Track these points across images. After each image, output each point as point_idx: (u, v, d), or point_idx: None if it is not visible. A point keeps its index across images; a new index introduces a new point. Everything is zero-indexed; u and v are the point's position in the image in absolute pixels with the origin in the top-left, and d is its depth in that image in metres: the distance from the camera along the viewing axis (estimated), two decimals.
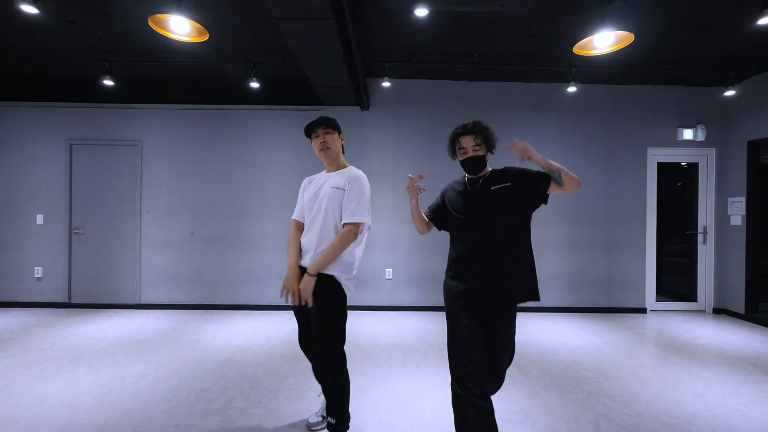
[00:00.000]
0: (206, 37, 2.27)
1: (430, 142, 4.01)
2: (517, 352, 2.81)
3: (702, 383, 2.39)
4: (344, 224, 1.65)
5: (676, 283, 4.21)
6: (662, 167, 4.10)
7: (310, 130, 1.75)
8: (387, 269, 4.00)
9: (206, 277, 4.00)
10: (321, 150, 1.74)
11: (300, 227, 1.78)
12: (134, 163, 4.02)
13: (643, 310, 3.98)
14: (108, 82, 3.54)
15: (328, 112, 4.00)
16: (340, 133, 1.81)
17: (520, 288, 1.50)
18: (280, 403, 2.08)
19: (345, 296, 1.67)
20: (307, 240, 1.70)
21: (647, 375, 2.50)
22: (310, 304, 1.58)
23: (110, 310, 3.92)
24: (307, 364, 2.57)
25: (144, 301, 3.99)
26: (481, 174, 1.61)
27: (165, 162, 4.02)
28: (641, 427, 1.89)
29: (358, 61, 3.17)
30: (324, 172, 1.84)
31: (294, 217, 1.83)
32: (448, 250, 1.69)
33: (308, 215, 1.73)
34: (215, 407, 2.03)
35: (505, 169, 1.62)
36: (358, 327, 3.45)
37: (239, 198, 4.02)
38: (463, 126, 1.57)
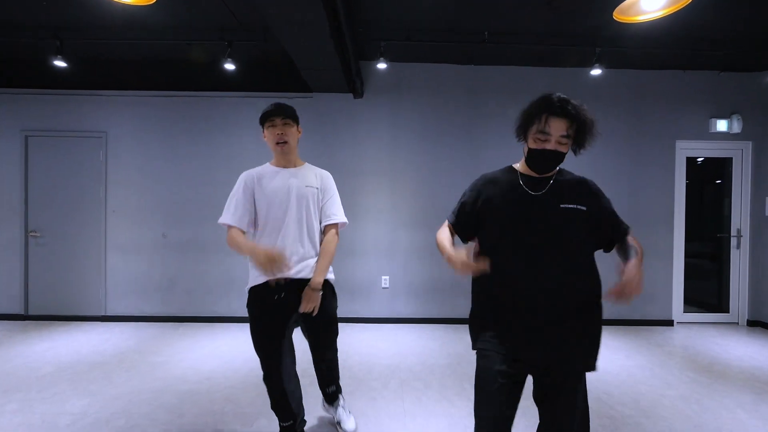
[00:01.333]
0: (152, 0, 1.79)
1: (432, 135, 3.56)
2: None
3: (762, 422, 1.97)
4: (330, 225, 1.66)
5: (704, 290, 3.79)
6: (692, 162, 3.66)
7: (265, 119, 1.57)
8: (383, 277, 3.56)
9: (180, 286, 3.55)
10: (277, 143, 1.57)
11: (241, 235, 1.58)
12: (98, 158, 3.56)
13: (669, 323, 3.56)
14: (59, 63, 3.07)
15: (317, 99, 3.55)
16: (298, 124, 1.64)
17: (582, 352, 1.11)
18: None
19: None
20: (285, 245, 1.54)
21: (695, 413, 2.08)
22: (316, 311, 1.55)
23: (72, 323, 3.47)
24: None
25: (110, 312, 3.55)
26: (549, 174, 1.18)
27: (133, 156, 3.56)
28: None
29: (349, 37, 2.72)
30: (273, 166, 1.66)
31: (231, 222, 1.58)
32: (454, 264, 1.17)
33: (270, 218, 1.57)
34: None
35: (583, 180, 1.22)
36: (351, 345, 3.02)
37: (217, 197, 3.56)
38: (561, 101, 1.11)
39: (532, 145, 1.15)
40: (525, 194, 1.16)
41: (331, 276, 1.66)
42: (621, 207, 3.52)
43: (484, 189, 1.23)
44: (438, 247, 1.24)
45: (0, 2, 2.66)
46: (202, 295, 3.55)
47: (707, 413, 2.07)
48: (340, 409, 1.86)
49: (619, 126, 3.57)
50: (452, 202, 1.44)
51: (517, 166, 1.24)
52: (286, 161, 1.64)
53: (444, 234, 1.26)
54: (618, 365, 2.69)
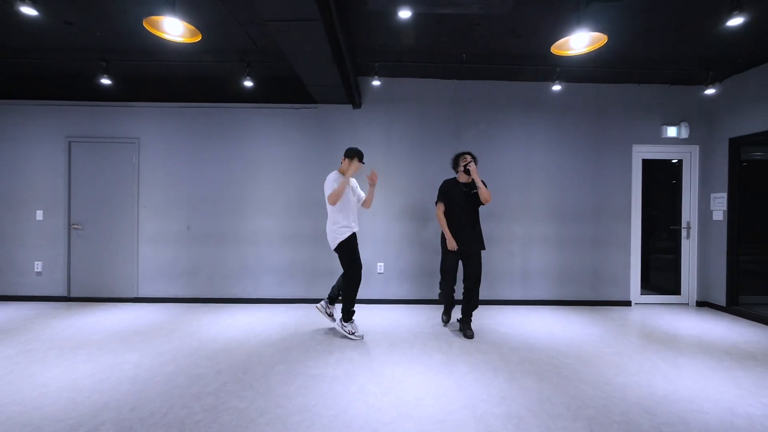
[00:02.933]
0: (199, 38, 2.36)
1: (420, 140, 4.11)
2: (502, 341, 2.95)
3: (674, 369, 2.50)
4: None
5: (662, 278, 4.32)
6: (647, 164, 4.21)
7: (360, 158, 3.09)
8: (379, 263, 4.10)
9: (202, 271, 4.10)
10: (356, 170, 3.08)
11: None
12: (132, 160, 4.12)
13: (628, 303, 4.09)
14: (105, 81, 3.63)
15: (321, 110, 4.10)
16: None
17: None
18: (271, 386, 2.19)
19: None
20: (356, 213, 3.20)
21: (624, 362, 2.61)
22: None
23: (108, 304, 4.02)
24: (299, 353, 2.67)
25: (141, 294, 4.09)
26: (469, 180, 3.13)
27: (162, 159, 4.12)
28: (611, 408, 2.00)
29: (349, 60, 3.27)
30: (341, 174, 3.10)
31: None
32: (438, 245, 3.41)
33: (351, 202, 3.10)
34: (209, 390, 2.14)
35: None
36: None
37: (234, 195, 4.12)
38: (466, 152, 3.15)
39: (463, 163, 3.08)
40: (462, 189, 3.09)
41: (340, 233, 3.02)
42: (585, 203, 4.13)
43: (446, 187, 3.16)
44: (439, 222, 3.13)
45: (58, 28, 3.21)
46: (220, 279, 4.10)
47: (633, 363, 2.60)
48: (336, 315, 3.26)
49: (582, 132, 4.12)
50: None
51: (458, 177, 3.17)
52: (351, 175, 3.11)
53: (441, 213, 3.13)
54: (572, 333, 3.22)
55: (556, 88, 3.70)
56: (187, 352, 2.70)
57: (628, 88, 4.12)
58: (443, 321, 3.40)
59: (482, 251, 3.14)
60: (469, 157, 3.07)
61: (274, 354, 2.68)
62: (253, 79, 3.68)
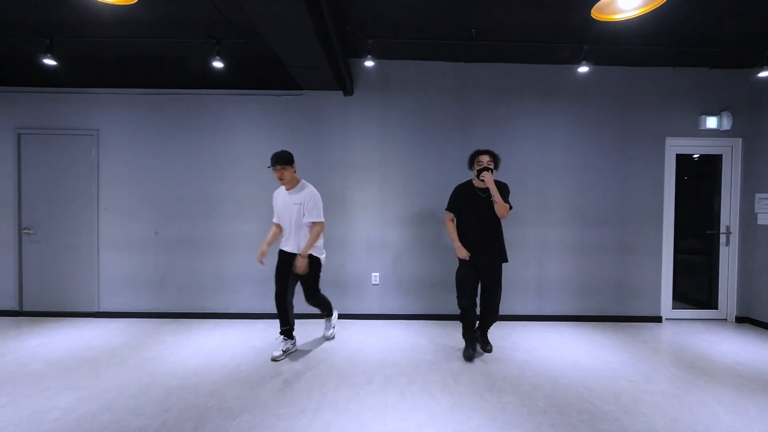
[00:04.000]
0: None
1: (421, 132, 3.57)
2: (519, 374, 2.44)
3: (739, 418, 2.00)
4: (311, 223, 2.65)
5: (693, 287, 3.80)
6: (683, 159, 3.67)
7: (271, 163, 2.56)
8: (374, 274, 3.59)
9: (172, 282, 3.59)
10: (279, 179, 2.60)
11: (279, 227, 2.81)
12: (90, 155, 3.59)
13: (658, 319, 3.58)
14: (49, 62, 3.08)
15: (308, 97, 3.56)
16: (293, 164, 2.61)
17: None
18: None
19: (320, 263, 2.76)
20: (286, 237, 2.73)
21: (674, 408, 2.10)
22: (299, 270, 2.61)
23: (65, 319, 3.52)
24: (270, 393, 2.16)
25: (103, 308, 3.59)
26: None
27: (125, 154, 3.59)
28: None
29: (336, 35, 2.72)
30: (284, 189, 2.70)
31: (274, 221, 2.82)
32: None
33: (281, 220, 2.74)
34: None
35: (502, 183, 2.69)
36: (340, 340, 3.06)
37: (208, 194, 3.59)
38: (484, 150, 2.64)
39: (478, 167, 2.58)
40: (477, 195, 2.64)
41: (317, 253, 2.70)
42: (611, 203, 3.59)
43: (458, 194, 2.72)
44: (448, 232, 2.74)
45: None
46: (193, 291, 3.59)
47: (686, 409, 2.09)
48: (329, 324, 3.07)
49: (609, 123, 3.57)
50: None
51: (473, 180, 2.70)
52: (287, 187, 2.67)
53: (450, 221, 2.74)
54: (601, 361, 2.71)
55: (583, 69, 3.14)
56: (134, 393, 2.20)
57: (661, 72, 3.56)
58: (465, 356, 2.66)
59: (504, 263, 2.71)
60: (486, 159, 2.53)
61: (240, 395, 2.17)
62: (224, 60, 3.13)
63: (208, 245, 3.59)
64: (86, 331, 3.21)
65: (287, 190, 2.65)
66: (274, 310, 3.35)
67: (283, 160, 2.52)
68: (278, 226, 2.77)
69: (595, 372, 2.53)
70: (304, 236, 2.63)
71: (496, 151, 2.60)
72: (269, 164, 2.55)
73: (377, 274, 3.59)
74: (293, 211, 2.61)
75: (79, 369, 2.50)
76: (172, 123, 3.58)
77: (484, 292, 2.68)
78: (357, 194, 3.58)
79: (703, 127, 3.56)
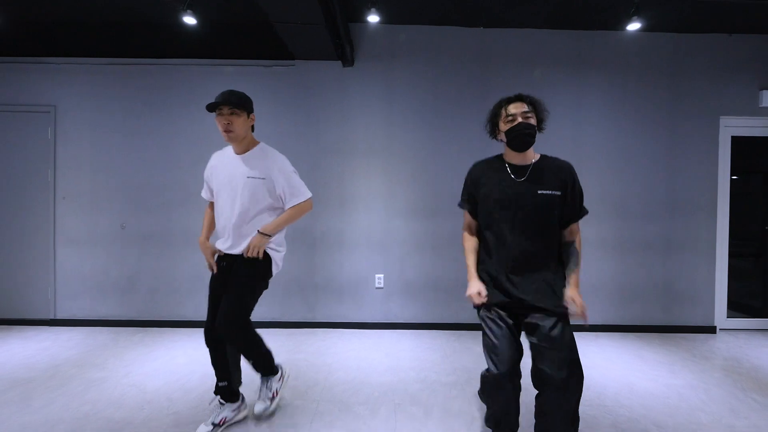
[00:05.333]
0: None
1: (433, 111, 3.05)
2: None
3: None
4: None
5: (748, 292, 3.27)
6: (738, 142, 3.14)
7: (211, 107, 1.57)
8: (377, 275, 3.06)
9: (141, 284, 3.06)
10: (224, 131, 1.60)
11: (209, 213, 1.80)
12: (45, 135, 3.07)
13: (711, 329, 3.04)
14: None
15: (301, 68, 3.05)
16: (250, 113, 1.67)
17: None
18: None
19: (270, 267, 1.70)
20: (225, 229, 1.65)
21: None
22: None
23: (14, 328, 2.99)
24: None
25: (60, 315, 3.06)
26: (529, 161, 1.42)
27: (86, 133, 3.07)
28: None
29: None
30: (229, 151, 1.71)
31: (206, 197, 1.80)
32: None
33: (220, 199, 1.67)
34: None
35: (564, 166, 1.43)
36: (338, 354, 2.53)
37: (182, 181, 3.07)
38: (514, 95, 1.41)
39: (505, 128, 1.37)
40: (510, 180, 1.39)
41: (273, 247, 1.69)
42: (656, 193, 3.01)
43: (476, 176, 1.48)
44: (464, 251, 1.51)
45: None
46: (166, 295, 3.06)
47: None
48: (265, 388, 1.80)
49: (654, 100, 3.05)
50: (457, 188, 1.65)
51: (504, 154, 1.45)
52: (237, 148, 1.67)
53: (467, 230, 1.52)
54: (663, 385, 2.18)
55: (634, 27, 2.63)
56: (63, 430, 1.67)
57: (716, 39, 3.04)
58: None
59: (568, 313, 1.33)
60: (520, 110, 1.34)
61: None
62: (198, 17, 2.61)
63: (183, 241, 3.06)
64: (33, 344, 2.68)
65: (236, 153, 1.66)
66: (263, 318, 2.82)
67: (234, 99, 1.56)
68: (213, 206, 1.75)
69: (658, 400, 2.00)
70: (261, 223, 1.63)
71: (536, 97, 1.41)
72: (211, 108, 1.56)
73: (381, 275, 3.06)
74: (247, 188, 1.59)
75: (6, 394, 1.97)
76: (142, 98, 3.06)
77: (538, 378, 1.32)
78: (357, 181, 3.06)
79: (763, 104, 3.04)
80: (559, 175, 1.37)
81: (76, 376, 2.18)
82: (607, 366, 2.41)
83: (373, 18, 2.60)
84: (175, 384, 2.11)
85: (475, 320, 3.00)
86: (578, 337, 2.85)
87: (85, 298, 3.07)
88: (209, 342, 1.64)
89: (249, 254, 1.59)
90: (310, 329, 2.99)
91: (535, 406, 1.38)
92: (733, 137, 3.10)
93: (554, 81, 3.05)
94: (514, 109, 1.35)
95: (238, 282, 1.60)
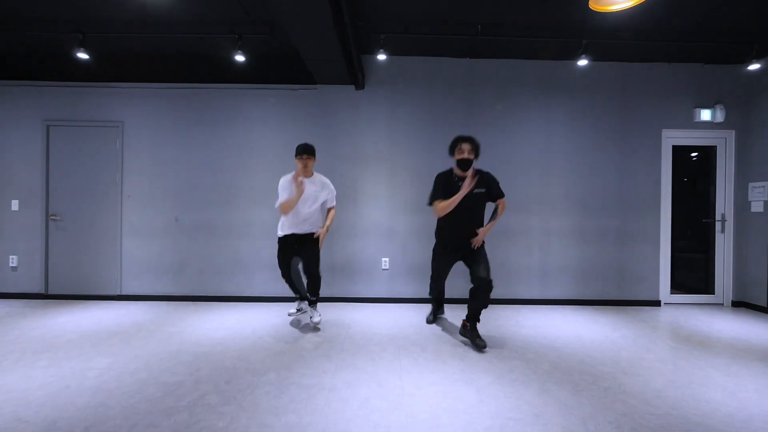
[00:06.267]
0: None
1: (428, 125, 3.76)
2: (524, 345, 2.59)
3: (732, 379, 2.14)
4: (331, 208, 3.02)
5: (691, 277, 3.95)
6: (678, 151, 3.84)
7: (297, 154, 2.79)
8: (383, 259, 3.75)
9: (191, 267, 3.76)
10: (303, 167, 2.80)
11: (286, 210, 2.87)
12: (115, 146, 3.79)
13: (657, 303, 3.72)
14: (82, 56, 3.30)
15: (321, 91, 3.76)
16: (315, 155, 2.85)
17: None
18: (257, 400, 1.84)
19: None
20: (307, 217, 2.89)
21: (669, 371, 2.25)
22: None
23: (89, 302, 3.68)
24: (292, 359, 2.31)
25: (125, 292, 3.75)
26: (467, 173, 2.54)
27: (147, 145, 3.78)
28: (670, 428, 1.64)
29: (350, 29, 2.93)
30: (304, 177, 2.81)
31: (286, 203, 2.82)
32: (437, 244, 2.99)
33: (304, 205, 2.84)
34: (183, 403, 1.79)
35: (487, 174, 2.64)
36: (352, 319, 3.21)
37: (225, 183, 3.78)
38: (466, 137, 2.56)
39: (458, 157, 2.54)
40: (457, 186, 2.52)
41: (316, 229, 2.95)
42: (610, 193, 3.77)
43: (441, 183, 2.62)
44: (448, 205, 2.51)
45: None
46: (210, 275, 3.75)
47: (681, 372, 2.23)
48: (313, 312, 3.00)
49: (608, 116, 3.75)
50: None
51: (454, 169, 2.63)
52: (306, 175, 2.84)
53: (441, 203, 2.57)
54: (602, 336, 2.85)
55: (582, 63, 3.34)
56: (165, 357, 2.35)
57: (657, 67, 3.75)
58: (428, 320, 3.12)
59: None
60: (467, 149, 2.45)
61: (265, 359, 2.33)
62: (245, 55, 3.34)
63: (226, 232, 3.76)
64: (111, 311, 3.37)
65: (307, 178, 2.83)
66: (289, 294, 3.51)
67: (312, 151, 2.79)
68: (285, 208, 2.77)
69: (596, 344, 2.68)
70: (321, 218, 2.96)
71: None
72: (297, 153, 2.74)
73: (386, 259, 3.75)
74: (317, 197, 2.85)
75: (110, 340, 2.66)
76: (192, 116, 3.78)
77: (473, 270, 2.54)
78: (367, 184, 3.76)
79: (697, 120, 3.74)
80: (484, 179, 2.56)
81: (157, 330, 2.87)
82: (564, 326, 3.09)
83: (381, 56, 3.32)
84: (235, 334, 2.79)
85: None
86: (545, 309, 3.53)
87: (144, 277, 3.76)
88: (289, 276, 2.94)
89: (319, 236, 2.86)
90: (329, 303, 3.67)
91: (472, 279, 2.57)
92: (673, 146, 3.80)
93: (527, 102, 3.76)
94: (463, 147, 2.49)
95: (315, 249, 2.86)
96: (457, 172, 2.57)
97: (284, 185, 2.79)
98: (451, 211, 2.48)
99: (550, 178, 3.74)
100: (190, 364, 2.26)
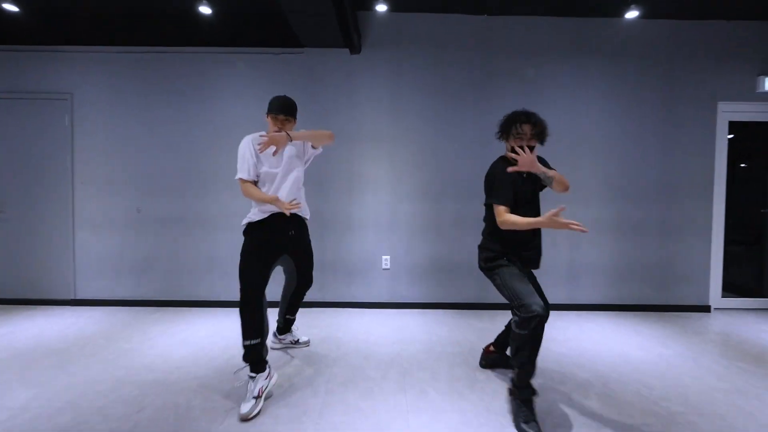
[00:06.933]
0: None
1: (438, 97, 3.14)
2: (560, 369, 2.05)
3: None
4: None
5: (741, 275, 3.39)
6: (735, 127, 3.23)
7: (269, 111, 1.89)
8: (384, 257, 3.19)
9: (157, 266, 3.20)
10: (276, 131, 1.86)
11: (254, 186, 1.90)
12: (63, 122, 3.18)
13: (706, 309, 3.17)
14: (9, 7, 2.65)
15: (309, 55, 3.13)
16: (296, 117, 1.94)
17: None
18: None
19: None
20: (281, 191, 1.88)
21: (756, 408, 1.72)
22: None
23: (36, 308, 3.14)
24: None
25: (81, 296, 3.21)
26: None
27: (102, 121, 3.17)
28: None
29: None
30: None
31: (248, 177, 1.87)
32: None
33: (276, 179, 1.87)
34: None
35: (540, 158, 1.78)
36: (347, 330, 2.67)
37: (197, 167, 3.19)
38: (527, 113, 1.69)
39: (515, 143, 1.66)
40: (522, 176, 1.71)
41: (306, 215, 2.04)
42: (653, 177, 3.14)
43: (507, 178, 1.67)
44: (527, 224, 1.58)
45: None
46: (181, 276, 3.20)
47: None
48: (296, 332, 2.39)
49: (652, 85, 3.13)
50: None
51: (507, 154, 1.76)
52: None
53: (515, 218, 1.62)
54: (655, 354, 2.32)
55: (632, 15, 2.71)
56: (105, 389, 1.82)
57: (714, 26, 3.11)
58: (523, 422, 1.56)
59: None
60: (529, 131, 1.65)
61: (230, 393, 1.79)
62: (214, 7, 2.69)
63: (198, 224, 3.19)
64: (59, 320, 2.84)
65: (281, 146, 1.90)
66: (275, 297, 2.90)
67: (293, 110, 1.90)
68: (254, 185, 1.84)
69: (649, 367, 2.14)
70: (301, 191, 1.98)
71: (510, 112, 1.71)
72: (272, 111, 1.86)
73: (387, 257, 3.19)
74: (295, 163, 1.90)
75: (45, 361, 2.12)
76: (156, 85, 3.16)
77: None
78: (365, 166, 3.17)
79: (761, 90, 3.12)
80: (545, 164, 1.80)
81: (107, 347, 2.33)
82: (604, 340, 2.55)
83: (381, 7, 2.68)
84: (199, 353, 2.26)
85: (478, 300, 3.15)
86: (574, 316, 2.99)
87: (103, 279, 3.21)
88: (256, 301, 1.74)
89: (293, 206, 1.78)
90: (320, 308, 3.13)
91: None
92: (730, 122, 3.19)
93: (554, 68, 3.13)
94: (524, 128, 1.65)
95: (306, 240, 2.08)
96: (510, 156, 1.71)
97: (245, 153, 1.81)
98: (512, 210, 1.64)
99: (580, 160, 3.15)
100: (132, 400, 1.72)
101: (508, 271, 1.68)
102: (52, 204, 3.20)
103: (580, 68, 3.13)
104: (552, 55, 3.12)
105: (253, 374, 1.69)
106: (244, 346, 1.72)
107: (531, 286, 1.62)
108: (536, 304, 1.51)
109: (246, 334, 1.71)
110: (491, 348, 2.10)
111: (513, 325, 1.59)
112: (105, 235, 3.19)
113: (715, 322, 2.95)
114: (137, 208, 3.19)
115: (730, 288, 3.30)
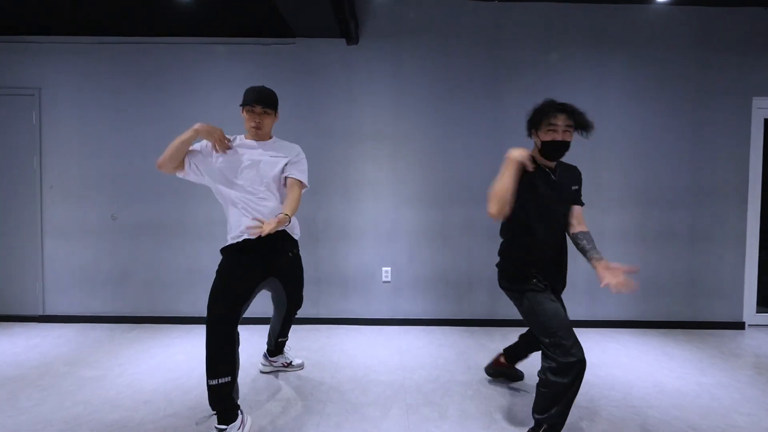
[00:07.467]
0: None
1: (443, 91, 2.85)
2: (590, 404, 1.76)
3: None
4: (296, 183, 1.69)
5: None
6: None
7: (245, 104, 1.64)
8: (384, 268, 2.90)
9: (135, 278, 2.91)
10: (253, 127, 1.65)
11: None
12: (30, 120, 2.88)
13: (740, 325, 2.88)
14: None
15: (302, 46, 2.84)
16: (277, 111, 1.73)
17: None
18: None
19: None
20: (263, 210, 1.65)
21: None
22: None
23: (1, 325, 2.84)
24: None
25: (50, 311, 2.91)
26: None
27: (73, 118, 2.88)
28: None
29: None
30: (249, 141, 1.70)
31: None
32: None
33: (236, 188, 1.64)
34: None
35: (575, 168, 1.63)
36: (343, 351, 2.39)
37: None
38: (561, 103, 1.44)
39: (546, 137, 1.42)
40: (550, 179, 1.49)
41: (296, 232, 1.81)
42: (681, 181, 2.82)
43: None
44: (498, 189, 1.34)
45: None
46: (160, 289, 2.91)
47: None
48: (288, 353, 2.15)
49: (682, 79, 2.84)
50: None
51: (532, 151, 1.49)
52: (258, 139, 1.70)
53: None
54: (693, 383, 2.03)
55: (659, 0, 2.41)
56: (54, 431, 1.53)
57: (749, 13, 2.82)
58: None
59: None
60: (563, 122, 1.40)
61: None
62: None
63: (180, 232, 2.90)
64: (22, 341, 2.54)
65: (257, 141, 1.68)
66: (263, 313, 2.60)
67: (270, 101, 1.64)
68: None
69: (689, 400, 1.85)
70: (280, 203, 1.67)
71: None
72: (247, 102, 1.61)
73: (388, 268, 2.90)
74: (268, 169, 1.61)
75: None
76: (133, 80, 2.87)
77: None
78: (363, 168, 2.88)
79: None
80: (575, 175, 1.66)
81: (68, 375, 2.04)
82: (632, 364, 2.26)
83: None
84: (174, 383, 1.97)
85: (489, 315, 2.86)
86: (595, 335, 2.71)
87: (75, 292, 2.92)
88: (227, 335, 1.49)
89: (271, 228, 1.42)
90: (313, 326, 2.85)
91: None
92: (766, 120, 2.90)
93: (572, 58, 2.84)
94: (557, 120, 1.41)
95: (298, 269, 1.88)
96: (541, 160, 1.49)
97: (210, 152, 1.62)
98: (536, 225, 1.44)
99: (600, 161, 2.86)
100: None
101: (541, 296, 1.43)
102: (18, 210, 2.90)
103: (601, 60, 2.84)
104: (570, 44, 2.83)
105: (222, 426, 1.39)
106: (209, 387, 1.40)
107: (569, 320, 1.35)
108: (577, 346, 1.23)
109: (211, 371, 1.39)
110: (502, 359, 1.91)
111: (547, 373, 1.30)
112: (77, 245, 2.90)
113: (751, 341, 2.67)
114: (112, 215, 2.89)
115: (767, 302, 3.01)
